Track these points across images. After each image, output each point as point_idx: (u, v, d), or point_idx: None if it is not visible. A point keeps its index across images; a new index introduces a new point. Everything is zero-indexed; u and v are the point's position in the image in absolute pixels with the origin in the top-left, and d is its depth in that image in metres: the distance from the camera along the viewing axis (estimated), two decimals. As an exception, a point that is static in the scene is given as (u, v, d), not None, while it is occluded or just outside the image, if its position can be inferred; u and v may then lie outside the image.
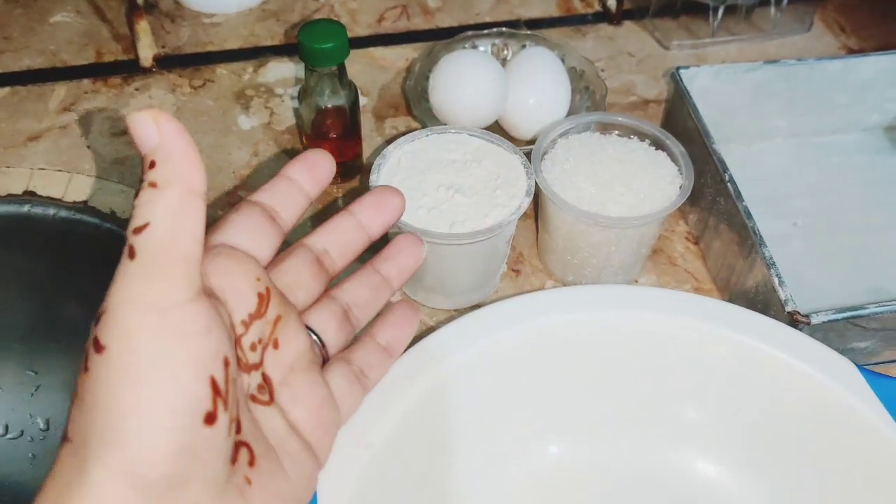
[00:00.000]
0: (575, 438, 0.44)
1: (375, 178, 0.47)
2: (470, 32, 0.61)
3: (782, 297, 0.44)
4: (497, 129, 0.58)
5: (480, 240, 0.45)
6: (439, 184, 0.46)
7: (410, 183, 0.47)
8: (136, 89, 0.63)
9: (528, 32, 0.62)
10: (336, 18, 0.69)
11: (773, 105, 0.59)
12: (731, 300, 0.50)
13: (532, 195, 0.46)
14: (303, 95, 0.53)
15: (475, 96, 0.54)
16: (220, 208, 0.55)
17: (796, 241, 0.55)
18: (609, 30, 0.70)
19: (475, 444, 0.41)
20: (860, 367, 0.40)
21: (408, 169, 0.47)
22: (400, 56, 0.66)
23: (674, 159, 0.49)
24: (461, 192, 0.46)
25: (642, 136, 0.50)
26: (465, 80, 0.54)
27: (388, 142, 0.48)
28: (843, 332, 0.45)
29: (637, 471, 0.43)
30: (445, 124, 0.55)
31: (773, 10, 0.68)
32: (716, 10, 0.66)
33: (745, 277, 0.48)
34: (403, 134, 0.50)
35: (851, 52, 0.69)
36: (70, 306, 0.57)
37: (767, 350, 0.41)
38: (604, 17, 0.71)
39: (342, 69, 0.52)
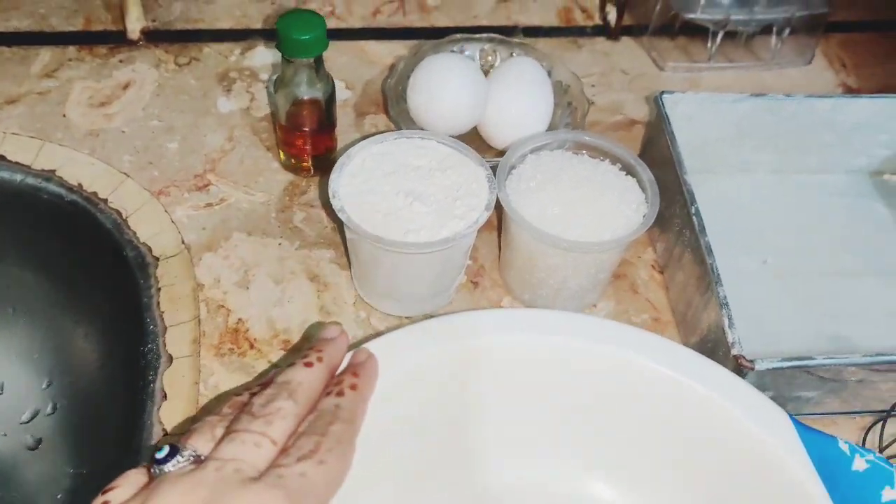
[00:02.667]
0: (495, 462, 0.43)
1: (336, 178, 0.46)
2: (459, 35, 0.60)
3: (730, 339, 0.43)
4: (476, 136, 0.57)
5: (433, 251, 0.44)
6: (399, 189, 0.46)
7: (371, 186, 0.46)
8: (121, 61, 0.62)
9: (519, 41, 0.61)
10: (332, 7, 0.69)
11: (757, 138, 0.58)
12: (685, 335, 0.50)
13: (492, 210, 0.46)
14: (278, 85, 0.52)
15: (451, 103, 0.53)
16: (186, 190, 0.54)
17: (763, 280, 0.54)
18: (606, 44, 0.69)
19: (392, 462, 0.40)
20: (794, 419, 0.39)
21: (371, 171, 0.47)
22: (390, 52, 0.65)
23: (642, 186, 0.48)
24: (420, 200, 0.46)
25: (614, 159, 0.50)
26: (443, 86, 0.53)
27: (364, 139, 0.47)
28: (790, 379, 0.44)
29: (551, 495, 0.43)
30: (420, 128, 0.55)
31: (774, 39, 0.67)
32: (715, 34, 0.65)
33: (700, 314, 0.47)
34: (381, 133, 0.50)
35: (849, 90, 0.67)
36: (27, 273, 0.57)
37: (699, 390, 0.40)
38: (603, 30, 0.70)
39: (319, 61, 0.51)
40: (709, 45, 0.66)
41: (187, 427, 0.39)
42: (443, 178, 0.47)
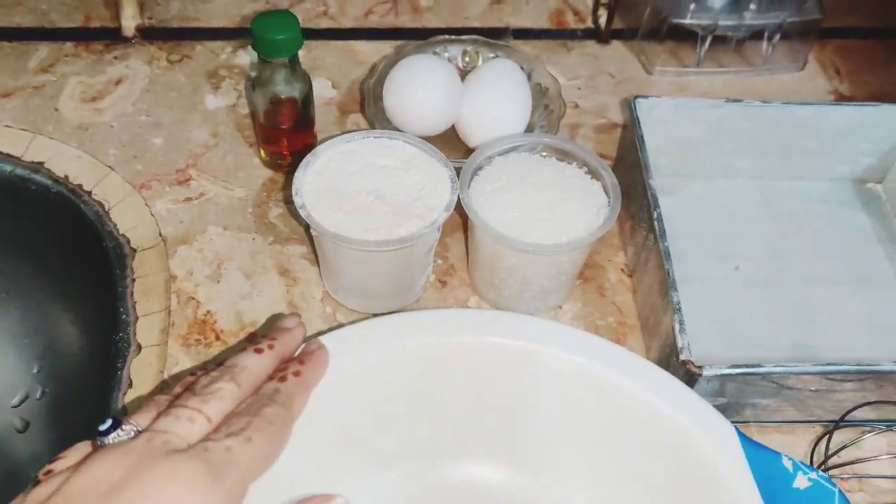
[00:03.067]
0: (421, 463, 0.43)
1: (301, 175, 0.47)
2: (443, 36, 0.61)
3: (679, 344, 0.43)
4: (454, 137, 0.58)
5: (390, 249, 0.45)
6: (362, 188, 0.47)
7: (335, 184, 0.47)
8: (115, 58, 0.64)
9: (503, 43, 0.61)
10: (325, 7, 0.70)
11: (736, 143, 0.57)
12: (648, 339, 0.50)
13: (451, 210, 0.46)
14: (256, 84, 0.53)
15: (424, 104, 0.54)
16: (167, 184, 0.56)
17: (734, 286, 0.54)
18: (596, 48, 0.69)
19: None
20: (740, 433, 0.39)
21: (336, 169, 0.48)
22: (379, 52, 0.66)
23: (606, 190, 0.49)
24: (382, 198, 0.46)
25: (581, 163, 0.50)
26: (416, 87, 0.54)
27: (332, 138, 0.48)
28: (742, 386, 0.44)
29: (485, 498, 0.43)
30: (395, 128, 0.56)
31: (765, 44, 0.66)
32: (703, 38, 0.65)
33: (660, 318, 0.48)
34: (349, 132, 0.51)
35: (841, 97, 0.67)
36: (17, 261, 0.59)
37: (646, 396, 0.40)
38: (594, 34, 0.70)
39: (295, 60, 0.52)
40: (697, 49, 0.66)
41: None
42: (406, 177, 0.48)
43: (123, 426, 0.33)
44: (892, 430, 0.47)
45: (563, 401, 0.42)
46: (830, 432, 0.45)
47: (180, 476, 0.30)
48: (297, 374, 0.37)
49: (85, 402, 0.57)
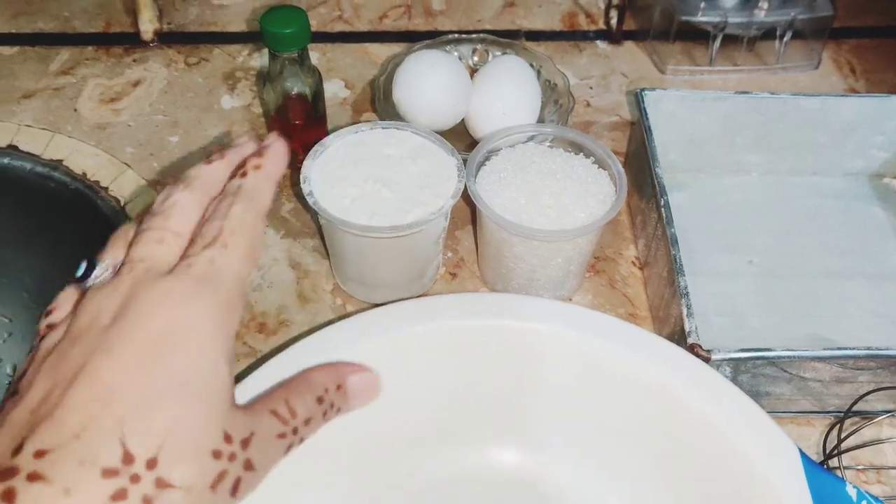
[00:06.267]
0: (438, 448, 0.43)
1: (309, 164, 0.48)
2: (452, 35, 0.62)
3: (687, 328, 0.43)
4: (464, 132, 0.58)
5: (397, 235, 0.45)
6: (368, 176, 0.47)
7: (342, 172, 0.47)
8: (134, 60, 0.65)
9: (512, 41, 0.62)
10: (340, 11, 0.71)
11: (745, 138, 0.57)
12: (658, 330, 0.49)
13: (458, 198, 0.47)
14: (266, 80, 0.54)
15: (431, 97, 0.54)
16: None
17: (747, 279, 0.54)
18: (608, 48, 0.69)
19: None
20: (803, 455, 0.37)
21: (343, 158, 0.48)
22: (391, 53, 0.67)
23: (613, 179, 0.49)
24: (388, 186, 0.47)
25: (588, 153, 0.50)
26: (423, 81, 0.54)
27: (341, 129, 0.49)
28: (758, 374, 0.44)
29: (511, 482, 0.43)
30: (405, 121, 0.56)
31: (777, 43, 0.66)
32: (714, 37, 0.65)
33: (669, 306, 0.47)
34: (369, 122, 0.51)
35: (856, 94, 0.66)
36: (37, 258, 0.60)
37: (703, 409, 0.39)
38: (606, 35, 0.70)
39: (304, 55, 0.53)
40: (710, 47, 0.66)
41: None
42: (413, 166, 0.48)
43: (98, 266, 0.32)
44: (907, 418, 0.46)
45: (581, 385, 0.41)
46: (842, 419, 0.44)
47: (172, 297, 0.30)
48: (257, 167, 0.35)
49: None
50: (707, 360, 0.42)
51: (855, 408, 0.45)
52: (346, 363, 0.37)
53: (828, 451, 0.44)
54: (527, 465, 0.43)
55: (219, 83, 0.64)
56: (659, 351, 0.40)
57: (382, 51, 0.68)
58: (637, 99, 0.54)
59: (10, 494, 0.25)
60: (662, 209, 0.48)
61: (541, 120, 0.57)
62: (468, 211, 0.56)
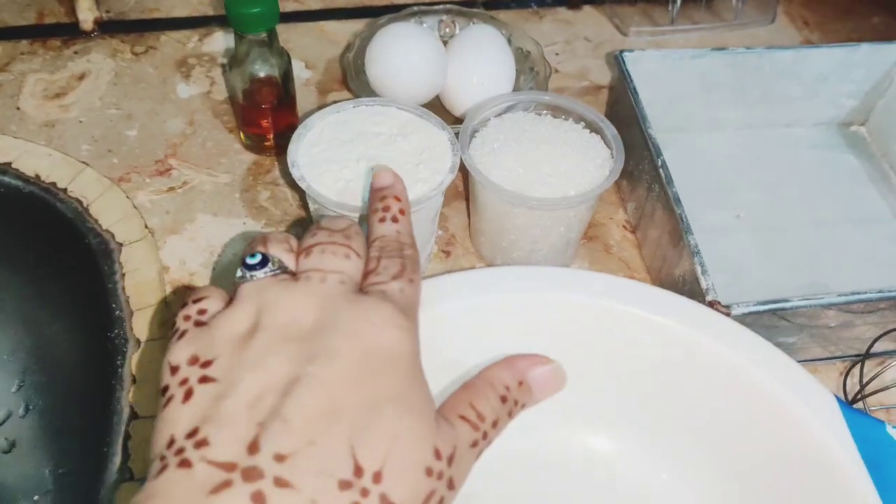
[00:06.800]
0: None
1: (294, 148, 0.45)
2: (416, 7, 0.60)
3: (704, 286, 0.43)
4: (438, 105, 0.56)
5: (398, 215, 0.43)
6: (360, 156, 0.45)
7: (330, 154, 0.45)
8: (75, 53, 0.61)
9: (478, 11, 0.60)
10: (289, -10, 0.68)
11: (722, 94, 0.57)
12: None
13: (455, 172, 0.45)
14: (232, 64, 0.51)
15: (410, 71, 0.52)
16: (147, 176, 0.53)
17: (738, 234, 0.54)
18: (568, 14, 0.68)
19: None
20: (840, 400, 0.36)
21: (330, 140, 0.46)
22: (351, 31, 0.65)
23: (607, 143, 0.48)
24: (382, 166, 0.45)
25: (577, 118, 0.49)
26: (400, 55, 0.52)
27: (321, 109, 0.47)
28: (769, 325, 0.44)
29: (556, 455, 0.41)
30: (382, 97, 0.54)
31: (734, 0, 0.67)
32: (675, -3, 0.65)
33: (673, 267, 0.47)
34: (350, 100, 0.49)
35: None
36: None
37: (737, 360, 0.38)
38: (564, 1, 0.69)
39: (272, 36, 0.50)
40: (670, 8, 0.66)
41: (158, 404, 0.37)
42: (405, 143, 0.46)
43: (272, 261, 0.31)
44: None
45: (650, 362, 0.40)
46: (862, 362, 0.44)
47: (375, 318, 0.30)
48: (401, 211, 0.36)
49: (77, 409, 0.54)
50: (727, 315, 0.42)
51: (862, 351, 0.45)
52: (520, 356, 0.36)
53: (850, 396, 0.44)
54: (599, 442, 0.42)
55: (171, 71, 0.60)
56: (685, 310, 0.40)
57: (339, 28, 0.65)
58: (618, 61, 0.53)
59: (259, 497, 0.24)
60: (661, 169, 0.47)
61: (517, 88, 0.56)
62: (456, 187, 0.54)
